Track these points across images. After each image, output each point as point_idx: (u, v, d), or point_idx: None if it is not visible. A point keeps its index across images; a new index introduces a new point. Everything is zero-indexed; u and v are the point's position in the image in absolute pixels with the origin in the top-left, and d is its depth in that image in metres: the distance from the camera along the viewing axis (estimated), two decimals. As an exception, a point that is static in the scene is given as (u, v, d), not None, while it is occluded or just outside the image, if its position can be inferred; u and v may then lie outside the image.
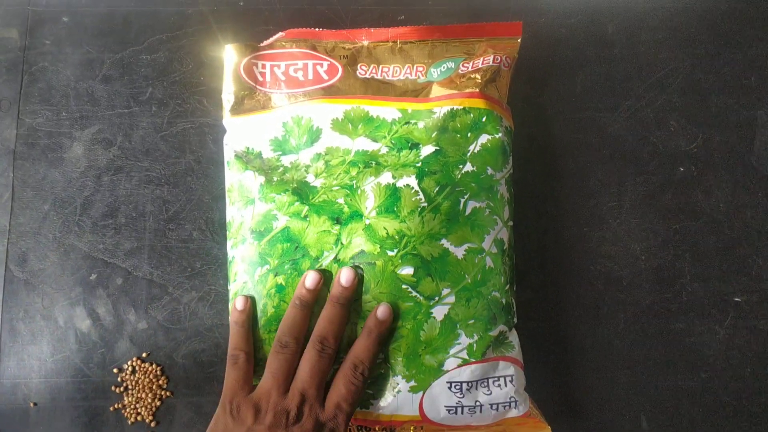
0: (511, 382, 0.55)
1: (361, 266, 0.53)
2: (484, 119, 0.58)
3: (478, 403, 0.54)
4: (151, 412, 0.60)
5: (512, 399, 0.55)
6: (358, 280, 0.53)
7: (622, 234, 0.64)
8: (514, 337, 0.57)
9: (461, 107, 0.58)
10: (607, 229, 0.64)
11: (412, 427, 0.56)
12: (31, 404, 0.61)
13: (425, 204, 0.54)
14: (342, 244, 0.54)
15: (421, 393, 0.54)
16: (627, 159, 0.66)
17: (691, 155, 0.66)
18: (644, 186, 0.65)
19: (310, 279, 0.53)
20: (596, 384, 0.62)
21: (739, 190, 0.65)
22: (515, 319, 0.57)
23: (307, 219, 0.55)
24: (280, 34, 0.60)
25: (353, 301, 0.53)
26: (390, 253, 0.53)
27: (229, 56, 0.60)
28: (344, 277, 0.52)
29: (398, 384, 0.54)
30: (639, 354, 0.62)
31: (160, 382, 0.61)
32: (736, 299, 0.63)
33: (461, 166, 0.56)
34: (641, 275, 0.64)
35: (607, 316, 0.63)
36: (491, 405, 0.55)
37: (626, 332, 0.63)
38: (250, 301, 0.55)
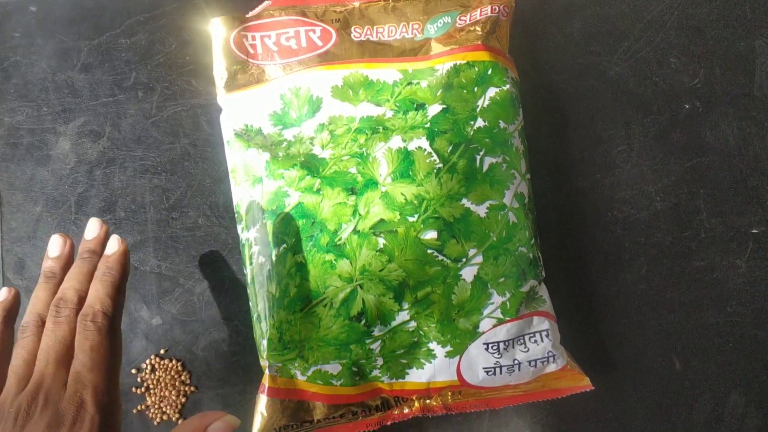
0: (547, 336, 0.54)
1: (383, 235, 0.51)
2: (489, 72, 0.56)
3: (516, 362, 0.53)
4: (176, 410, 0.58)
5: (549, 353, 0.54)
6: (107, 230, 0.46)
7: (635, 177, 0.63)
8: (543, 291, 0.56)
9: (464, 62, 0.56)
10: (619, 173, 0.63)
11: (450, 393, 0.54)
12: (48, 415, 0.58)
13: (440, 165, 0.53)
14: (360, 214, 0.52)
15: (457, 357, 0.53)
16: (632, 101, 0.65)
17: (695, 91, 0.65)
18: (652, 126, 0.64)
19: (54, 245, 0.45)
20: (625, 330, 0.61)
21: (745, 122, 0.65)
22: (543, 273, 0.56)
23: (321, 192, 0.53)
24: (266, 3, 0.58)
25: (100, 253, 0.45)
26: (411, 219, 0.52)
27: (217, 30, 0.57)
28: (88, 229, 0.45)
29: (433, 350, 0.52)
30: (664, 296, 0.62)
31: (183, 377, 0.58)
32: (754, 231, 0.63)
33: (472, 122, 0.54)
34: (658, 217, 0.63)
35: (629, 262, 0.62)
36: (529, 362, 0.54)
37: (649, 275, 0.62)
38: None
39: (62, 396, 0.37)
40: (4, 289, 0.46)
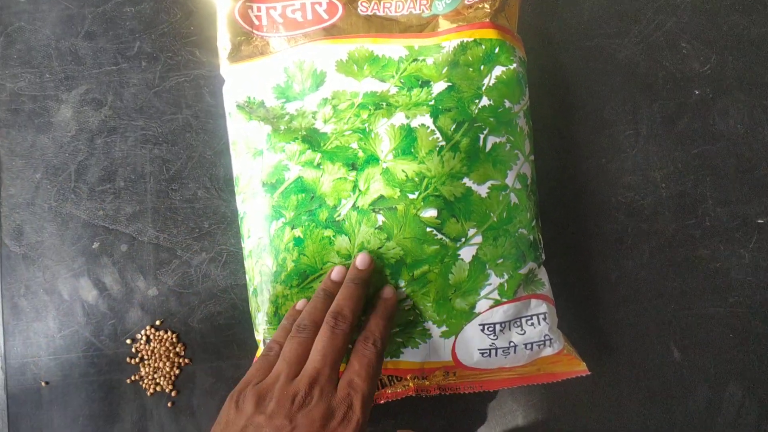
0: (544, 319, 0.53)
1: (382, 212, 0.51)
2: (496, 50, 0.55)
3: (512, 344, 0.53)
4: (170, 382, 0.58)
5: (546, 337, 0.53)
6: (374, 263, 0.51)
7: (640, 163, 0.62)
8: (543, 274, 0.55)
9: (471, 39, 0.55)
10: (625, 158, 0.62)
11: (444, 373, 0.54)
12: (43, 383, 0.58)
13: (443, 143, 0.52)
14: (360, 190, 0.51)
15: (453, 337, 0.52)
16: (641, 85, 0.64)
17: (706, 77, 0.64)
18: (660, 112, 0.63)
19: (337, 272, 0.51)
20: (625, 317, 0.61)
21: (756, 110, 0.63)
22: (543, 256, 0.55)
23: (321, 167, 0.52)
24: (273, -26, 0.57)
25: (374, 274, 0.51)
26: (411, 197, 0.51)
27: (222, 0, 0.56)
28: (360, 260, 0.50)
29: (429, 330, 0.52)
30: (666, 284, 0.61)
31: (177, 349, 0.58)
32: (759, 221, 0.62)
33: (477, 101, 0.53)
34: (663, 203, 0.62)
35: (632, 248, 0.61)
36: (525, 345, 0.53)
37: (652, 263, 0.61)
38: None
39: (334, 395, 0.43)
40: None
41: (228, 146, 0.56)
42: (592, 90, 0.64)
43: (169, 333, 0.59)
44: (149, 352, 0.58)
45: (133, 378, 0.58)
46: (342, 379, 0.45)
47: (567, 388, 0.58)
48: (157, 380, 0.58)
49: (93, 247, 0.60)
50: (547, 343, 0.53)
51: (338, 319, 0.47)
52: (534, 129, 0.59)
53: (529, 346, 0.53)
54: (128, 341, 0.59)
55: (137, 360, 0.58)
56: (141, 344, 0.58)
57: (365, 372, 0.45)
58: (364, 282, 0.50)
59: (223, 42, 0.56)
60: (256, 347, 0.53)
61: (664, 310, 0.61)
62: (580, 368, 0.55)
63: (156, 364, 0.58)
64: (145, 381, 0.58)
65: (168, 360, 0.58)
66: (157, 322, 0.59)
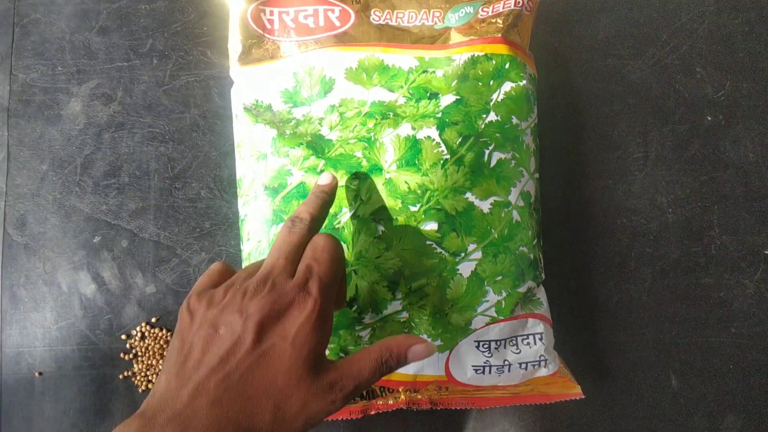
0: (540, 340, 0.53)
1: (383, 222, 0.51)
2: (507, 66, 0.54)
3: (506, 362, 0.52)
4: (162, 379, 0.58)
5: (542, 358, 0.53)
6: (336, 182, 0.51)
7: (648, 186, 0.62)
8: (542, 293, 0.54)
9: (482, 54, 0.55)
10: (632, 181, 0.62)
11: (436, 388, 0.53)
12: (36, 374, 0.58)
13: (448, 156, 0.51)
14: (361, 199, 0.51)
15: (447, 352, 0.52)
16: (652, 108, 0.63)
17: (719, 103, 0.63)
18: (670, 136, 0.63)
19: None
20: (624, 342, 0.60)
21: (768, 139, 0.63)
22: (543, 275, 0.55)
23: (324, 174, 0.52)
24: (288, -21, 0.57)
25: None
26: (412, 209, 0.51)
27: (235, 3, 0.56)
28: (322, 179, 0.50)
29: (423, 343, 0.52)
30: (667, 310, 0.60)
31: (171, 347, 0.58)
32: (766, 252, 0.61)
33: (484, 116, 0.53)
34: (668, 229, 0.61)
35: (634, 272, 0.61)
36: (520, 364, 0.53)
37: (654, 288, 0.60)
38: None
39: (287, 282, 0.41)
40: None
41: (233, 148, 0.56)
42: (602, 110, 0.63)
43: (164, 331, 0.58)
44: (143, 349, 0.58)
45: (125, 374, 0.58)
46: (298, 268, 0.43)
47: (560, 411, 0.58)
48: (150, 377, 0.58)
49: (94, 241, 0.60)
50: (543, 363, 0.53)
51: (295, 221, 0.45)
52: (541, 147, 0.58)
53: (523, 366, 0.53)
54: (123, 337, 0.59)
55: (131, 356, 0.58)
56: (136, 341, 0.58)
57: (321, 255, 0.43)
58: (325, 194, 0.49)
59: (234, 44, 0.56)
60: (250, 350, 0.52)
61: (665, 337, 0.60)
62: (575, 391, 0.54)
63: (149, 362, 0.58)
64: (138, 377, 0.58)
65: (161, 357, 0.58)
66: (153, 320, 0.59)
